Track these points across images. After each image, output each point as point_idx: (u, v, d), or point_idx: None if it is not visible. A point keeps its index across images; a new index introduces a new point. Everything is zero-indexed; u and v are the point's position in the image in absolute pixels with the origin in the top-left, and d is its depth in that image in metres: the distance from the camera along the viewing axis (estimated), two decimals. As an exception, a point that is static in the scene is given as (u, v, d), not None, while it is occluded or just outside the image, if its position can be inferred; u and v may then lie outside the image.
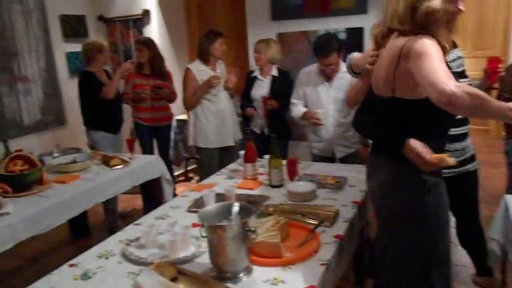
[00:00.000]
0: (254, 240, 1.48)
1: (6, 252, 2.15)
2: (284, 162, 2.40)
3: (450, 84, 1.28)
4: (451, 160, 1.47)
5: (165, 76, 3.94)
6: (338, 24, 3.72)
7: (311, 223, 1.80)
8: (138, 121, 4.01)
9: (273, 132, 2.62)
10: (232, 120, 3.53)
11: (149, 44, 3.86)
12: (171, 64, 4.66)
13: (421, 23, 1.48)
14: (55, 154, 3.12)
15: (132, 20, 4.72)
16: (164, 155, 3.95)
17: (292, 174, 2.37)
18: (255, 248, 1.54)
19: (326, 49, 2.86)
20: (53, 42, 4.51)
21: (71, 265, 1.64)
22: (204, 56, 3.37)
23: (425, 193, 1.59)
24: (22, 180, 2.46)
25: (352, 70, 2.04)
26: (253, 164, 2.46)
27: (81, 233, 3.68)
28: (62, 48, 4.61)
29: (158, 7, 4.68)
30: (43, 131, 4.43)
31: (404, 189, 1.61)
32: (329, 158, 3.12)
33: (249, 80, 3.59)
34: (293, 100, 3.20)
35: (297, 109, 3.15)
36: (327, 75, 2.96)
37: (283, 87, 3.48)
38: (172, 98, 3.98)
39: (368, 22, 3.49)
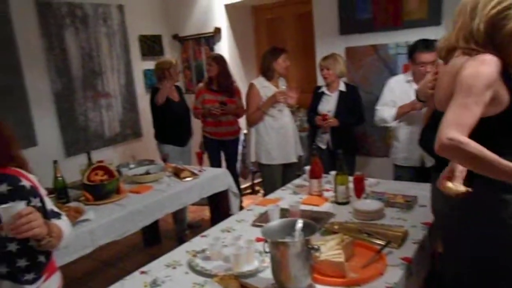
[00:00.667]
0: (318, 258, 1.46)
1: (85, 256, 2.33)
2: (350, 178, 2.36)
3: (449, 133, 1.29)
4: (458, 190, 1.42)
5: (233, 92, 4.06)
6: (410, 37, 3.59)
7: (377, 243, 1.75)
8: (206, 135, 4.16)
9: (340, 148, 2.55)
10: (294, 137, 3.54)
11: (218, 60, 4.00)
12: (240, 80, 4.79)
13: (499, 43, 1.38)
14: (131, 165, 3.33)
15: (204, 37, 4.94)
16: (231, 168, 4.05)
17: (359, 191, 2.31)
18: (318, 266, 1.53)
19: (429, 43, 2.77)
20: (132, 61, 4.85)
21: (142, 272, 1.73)
22: (267, 72, 3.42)
23: (505, 212, 1.47)
24: (101, 189, 2.65)
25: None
26: (318, 180, 2.44)
27: (153, 241, 3.87)
28: (140, 66, 4.94)
29: (229, 24, 4.85)
30: (121, 143, 4.75)
31: (479, 208, 1.50)
32: (416, 168, 3.00)
33: (316, 96, 3.58)
34: (378, 107, 3.13)
35: (389, 110, 3.02)
36: (420, 79, 2.82)
37: (351, 102, 3.43)
38: (239, 113, 4.08)
39: (442, 34, 3.34)
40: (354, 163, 3.58)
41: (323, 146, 3.53)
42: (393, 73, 3.68)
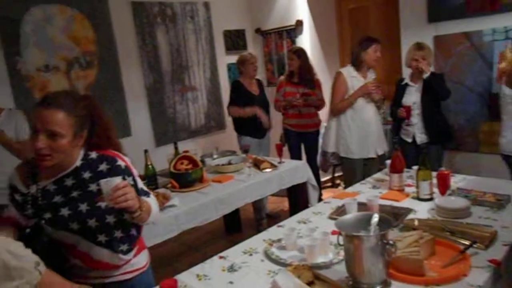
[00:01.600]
0: (393, 254, 1.43)
1: (172, 239, 2.51)
2: (434, 174, 2.24)
3: None
4: None
5: (314, 84, 4.05)
6: (509, 21, 3.29)
7: (461, 243, 1.65)
8: (287, 127, 4.20)
9: (430, 141, 2.37)
10: (377, 132, 3.39)
11: (300, 53, 4.01)
12: (322, 71, 4.75)
13: None
14: (214, 156, 3.48)
15: (286, 30, 4.97)
16: (311, 161, 4.05)
17: (443, 187, 2.19)
18: (395, 263, 1.49)
19: None
20: (217, 55, 5.04)
21: (221, 257, 1.82)
22: (356, 62, 3.30)
23: None
24: (186, 178, 2.82)
25: None
26: (399, 175, 2.35)
27: (234, 228, 4.02)
28: (224, 60, 5.12)
29: (311, 16, 4.82)
30: (205, 134, 4.98)
31: None
32: None
33: (400, 88, 3.43)
34: None
35: None
36: None
37: (437, 91, 3.23)
38: (320, 105, 4.07)
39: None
40: (441, 157, 3.39)
41: (408, 140, 3.38)
42: (488, 62, 3.41)
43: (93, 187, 1.49)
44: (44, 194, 1.49)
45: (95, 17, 4.03)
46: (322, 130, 4.57)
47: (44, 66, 3.75)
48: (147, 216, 1.55)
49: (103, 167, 1.52)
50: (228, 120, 5.03)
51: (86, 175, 1.50)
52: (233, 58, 5.00)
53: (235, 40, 5.19)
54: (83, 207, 1.49)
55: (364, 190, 2.50)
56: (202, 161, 3.20)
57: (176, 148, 3.30)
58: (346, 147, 3.38)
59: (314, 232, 1.86)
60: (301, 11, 4.80)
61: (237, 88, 3.95)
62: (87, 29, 3.99)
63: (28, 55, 3.64)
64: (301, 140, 4.23)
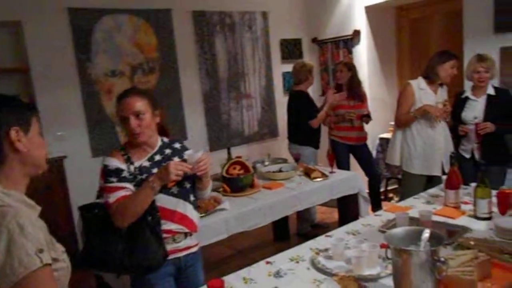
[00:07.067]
0: (444, 272, 1.38)
1: (221, 243, 2.56)
2: (494, 192, 2.14)
3: None
4: None
5: (362, 97, 4.06)
6: None
7: (521, 266, 1.57)
8: (335, 139, 4.17)
9: (490, 158, 2.29)
10: (446, 149, 3.16)
11: (350, 66, 4.04)
12: (379, 84, 4.69)
13: None
14: (266, 163, 3.53)
15: (343, 40, 4.93)
16: (371, 171, 4.16)
17: (504, 207, 2.08)
18: (446, 282, 1.44)
19: None
20: (273, 64, 5.11)
21: (268, 263, 1.85)
22: (429, 75, 3.13)
23: None
24: (238, 183, 2.88)
25: None
26: (455, 191, 2.26)
27: (282, 236, 4.03)
28: (280, 69, 5.17)
29: (368, 26, 4.75)
30: (258, 141, 5.05)
31: None
32: None
33: (460, 101, 3.27)
34: None
35: None
36: None
37: (503, 107, 3.06)
38: (368, 121, 4.07)
39: None
40: (504, 175, 3.20)
41: (467, 156, 3.23)
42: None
43: (175, 159, 1.90)
44: (142, 170, 1.85)
45: (159, 26, 4.23)
46: (377, 142, 4.50)
47: (111, 71, 3.99)
48: (209, 184, 1.99)
49: (177, 145, 1.98)
50: (281, 129, 5.08)
51: (168, 151, 1.94)
52: (288, 67, 5.04)
53: (291, 49, 5.23)
54: None
55: (418, 205, 2.43)
56: (254, 167, 3.25)
57: (229, 153, 3.39)
58: (408, 161, 3.22)
59: (362, 244, 1.84)
60: (359, 21, 4.76)
61: (300, 99, 3.90)
62: (150, 37, 4.21)
63: (98, 61, 3.90)
64: (349, 152, 4.19)
